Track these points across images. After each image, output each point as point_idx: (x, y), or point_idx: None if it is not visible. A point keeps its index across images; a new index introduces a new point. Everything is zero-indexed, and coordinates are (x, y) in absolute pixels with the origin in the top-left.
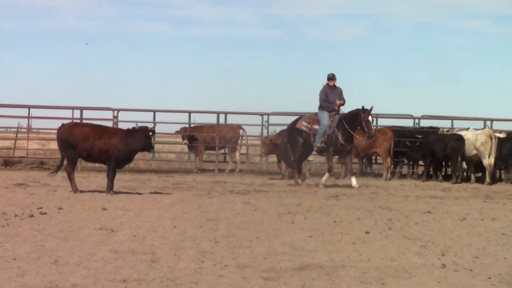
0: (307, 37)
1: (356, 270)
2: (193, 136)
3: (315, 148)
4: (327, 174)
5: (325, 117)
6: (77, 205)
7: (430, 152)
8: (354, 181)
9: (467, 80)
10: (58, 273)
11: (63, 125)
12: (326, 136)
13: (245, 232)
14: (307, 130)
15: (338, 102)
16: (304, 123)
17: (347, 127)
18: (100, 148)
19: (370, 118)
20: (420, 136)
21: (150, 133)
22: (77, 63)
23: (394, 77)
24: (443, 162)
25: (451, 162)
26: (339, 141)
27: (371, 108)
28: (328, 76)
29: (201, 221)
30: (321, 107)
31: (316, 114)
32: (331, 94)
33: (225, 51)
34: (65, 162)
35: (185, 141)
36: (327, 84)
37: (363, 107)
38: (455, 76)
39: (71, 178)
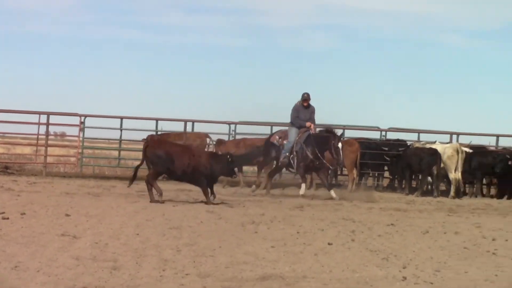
0: (278, 47)
1: (318, 282)
2: None
3: (279, 163)
4: (303, 185)
5: (292, 134)
6: (40, 210)
7: (408, 166)
8: (333, 193)
9: (434, 93)
10: (18, 278)
11: (152, 137)
12: (295, 152)
13: (208, 241)
14: (278, 144)
15: (308, 124)
16: (277, 137)
17: (315, 147)
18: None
19: (340, 145)
20: (386, 148)
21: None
22: (44, 68)
23: (363, 89)
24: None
25: (422, 176)
26: (309, 157)
27: (341, 135)
28: (303, 96)
29: (164, 229)
30: (291, 123)
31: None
32: (303, 112)
33: (196, 59)
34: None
35: None
36: (301, 102)
37: (332, 131)
38: (422, 88)
39: (150, 189)
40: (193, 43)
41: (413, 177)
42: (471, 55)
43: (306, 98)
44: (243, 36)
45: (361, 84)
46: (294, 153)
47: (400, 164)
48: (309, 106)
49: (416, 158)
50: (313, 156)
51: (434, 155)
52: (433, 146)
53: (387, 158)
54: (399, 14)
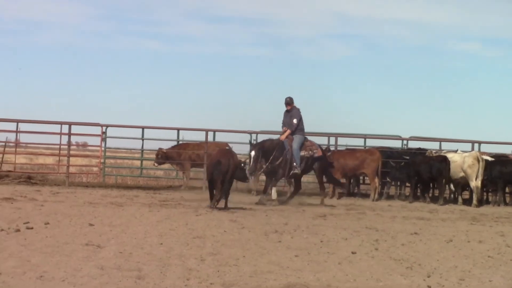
0: (299, 56)
1: None
2: (165, 155)
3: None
4: (273, 189)
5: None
6: (64, 220)
7: (416, 173)
8: (274, 193)
9: (456, 102)
10: None
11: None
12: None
13: (231, 250)
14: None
15: (284, 129)
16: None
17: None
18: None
19: (252, 153)
20: (407, 157)
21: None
22: (67, 78)
23: (384, 98)
24: (430, 184)
25: (437, 184)
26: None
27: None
28: (285, 100)
29: (187, 238)
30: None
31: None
32: (284, 117)
33: (217, 69)
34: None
35: (154, 163)
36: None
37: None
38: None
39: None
40: (213, 53)
41: (432, 185)
42: (492, 63)
43: (287, 102)
44: (263, 46)
45: (382, 93)
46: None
47: (408, 172)
48: (291, 109)
49: (426, 166)
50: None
51: (444, 161)
52: (455, 155)
53: (393, 165)
54: (419, 23)
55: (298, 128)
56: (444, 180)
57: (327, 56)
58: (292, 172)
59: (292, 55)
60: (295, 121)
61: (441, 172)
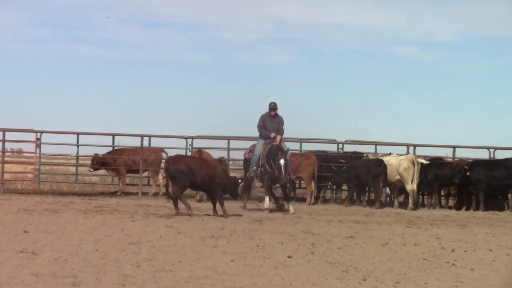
0: (236, 61)
1: None
2: (101, 161)
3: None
4: (266, 198)
5: (259, 146)
6: None
7: (355, 177)
8: (291, 208)
9: (391, 106)
10: None
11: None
12: (260, 165)
13: (167, 256)
14: (248, 158)
15: (273, 134)
16: (249, 151)
17: (271, 160)
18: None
19: (282, 161)
20: (343, 161)
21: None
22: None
23: (320, 102)
24: (367, 187)
25: (373, 187)
26: (267, 170)
27: (287, 151)
28: (270, 105)
29: (123, 244)
30: (259, 135)
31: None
32: (269, 122)
33: (152, 74)
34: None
35: (90, 169)
36: (268, 112)
37: (278, 147)
38: (379, 101)
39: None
40: (149, 58)
41: (368, 189)
42: (427, 66)
43: (272, 107)
44: (200, 51)
45: (317, 97)
46: (260, 165)
47: (348, 175)
48: (276, 115)
49: (363, 169)
50: (271, 168)
51: (380, 165)
52: (390, 158)
53: (334, 168)
54: (352, 27)
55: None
56: (380, 184)
57: (264, 61)
58: (248, 174)
59: (229, 59)
60: (284, 127)
61: (378, 175)
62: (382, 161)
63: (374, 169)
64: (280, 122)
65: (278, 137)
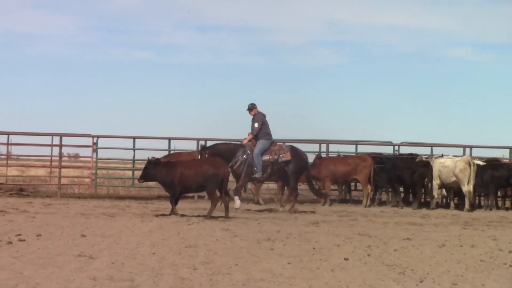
0: (288, 64)
1: None
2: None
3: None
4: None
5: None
6: (56, 232)
7: (398, 178)
8: (237, 202)
9: (447, 107)
10: None
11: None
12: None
13: (224, 259)
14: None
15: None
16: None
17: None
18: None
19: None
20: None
21: None
22: (58, 90)
23: (375, 104)
24: (422, 189)
25: (416, 188)
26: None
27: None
28: (247, 107)
29: (180, 247)
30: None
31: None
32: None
33: (208, 78)
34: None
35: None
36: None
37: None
38: (436, 103)
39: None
40: (204, 62)
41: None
42: (482, 68)
43: (249, 108)
44: (254, 55)
45: (373, 100)
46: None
47: (390, 177)
48: (255, 115)
49: (408, 171)
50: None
51: (426, 166)
52: (445, 160)
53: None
54: (405, 29)
55: (263, 133)
56: (430, 185)
57: (317, 64)
58: (253, 176)
59: (282, 63)
60: (256, 125)
61: (422, 176)
62: (427, 162)
63: (420, 170)
64: (254, 120)
65: (250, 135)
